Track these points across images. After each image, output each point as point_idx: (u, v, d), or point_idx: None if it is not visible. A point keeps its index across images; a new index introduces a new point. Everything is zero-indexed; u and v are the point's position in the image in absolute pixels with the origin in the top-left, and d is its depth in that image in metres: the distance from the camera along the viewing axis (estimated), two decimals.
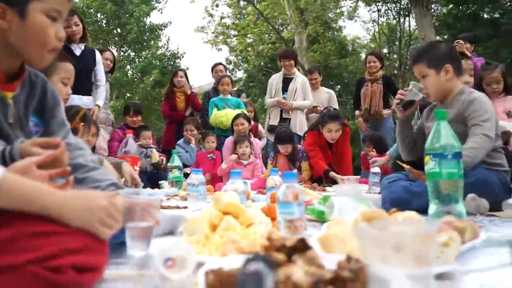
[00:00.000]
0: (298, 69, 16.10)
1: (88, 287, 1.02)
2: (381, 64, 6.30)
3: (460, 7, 16.86)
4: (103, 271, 1.12)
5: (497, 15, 15.06)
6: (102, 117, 5.38)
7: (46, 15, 1.46)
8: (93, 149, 3.84)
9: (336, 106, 6.30)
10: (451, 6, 17.50)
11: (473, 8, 15.64)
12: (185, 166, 5.22)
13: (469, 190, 2.50)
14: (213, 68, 7.06)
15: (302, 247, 1.06)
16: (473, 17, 15.38)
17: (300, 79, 6.18)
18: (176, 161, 4.18)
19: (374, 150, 5.24)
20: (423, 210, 2.09)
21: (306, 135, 5.42)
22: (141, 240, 1.45)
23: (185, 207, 2.48)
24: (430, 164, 1.95)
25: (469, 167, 2.50)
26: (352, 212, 1.90)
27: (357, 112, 6.45)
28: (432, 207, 1.97)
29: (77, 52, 4.79)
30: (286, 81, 6.13)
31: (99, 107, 4.97)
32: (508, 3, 15.21)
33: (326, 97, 6.58)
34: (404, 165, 2.95)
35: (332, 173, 4.89)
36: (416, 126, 3.10)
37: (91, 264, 1.03)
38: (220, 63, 7.24)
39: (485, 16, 15.90)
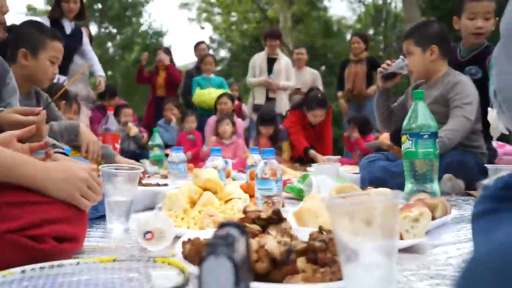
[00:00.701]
0: (283, 50, 16.12)
1: (67, 256, 1.04)
2: (366, 45, 6.29)
3: None
4: (82, 241, 1.15)
5: None
6: (83, 94, 5.33)
7: (49, 60, 2.43)
8: None
9: (321, 87, 6.27)
10: None
11: None
12: (166, 146, 5.22)
13: (446, 170, 2.57)
14: (195, 46, 7.01)
15: (276, 219, 1.09)
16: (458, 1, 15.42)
17: (284, 60, 6.18)
18: (157, 139, 4.17)
19: (357, 131, 5.30)
20: (400, 189, 2.15)
21: (288, 114, 5.44)
22: (120, 214, 1.47)
23: (166, 185, 2.50)
24: (406, 144, 1.99)
25: (448, 147, 2.55)
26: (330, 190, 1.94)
27: (339, 93, 6.47)
28: (408, 186, 2.01)
29: (68, 30, 4.65)
30: (270, 61, 6.12)
31: (103, 76, 4.93)
32: None
33: (311, 77, 6.56)
34: (385, 141, 2.99)
35: (312, 151, 4.93)
36: (399, 101, 3.12)
37: (70, 234, 1.06)
38: (203, 42, 7.19)
39: None
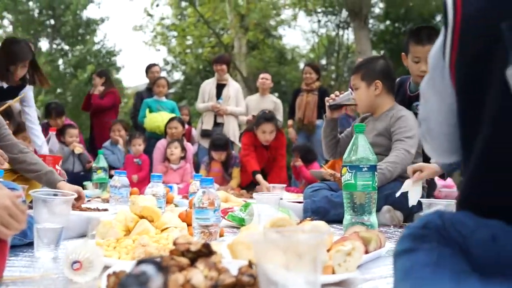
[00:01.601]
0: (236, 75, 16.22)
1: None
2: (318, 75, 6.40)
3: (396, 24, 17.58)
4: (1, 272, 1.09)
5: None
6: None
7: None
8: None
9: (280, 118, 6.30)
10: (388, 22, 18.22)
11: (408, 26, 16.32)
12: (113, 168, 5.11)
13: (386, 202, 2.63)
14: (148, 68, 6.93)
15: (206, 252, 1.08)
16: None
17: (233, 86, 6.21)
18: (101, 162, 4.07)
19: (300, 160, 5.37)
20: (340, 220, 2.18)
21: (242, 136, 5.44)
22: (50, 241, 1.42)
23: (105, 210, 2.44)
24: (346, 176, 2.03)
25: (387, 179, 2.62)
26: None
27: (290, 122, 6.54)
28: (347, 218, 2.05)
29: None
30: (220, 87, 6.12)
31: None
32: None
33: (272, 106, 6.41)
34: (327, 169, 3.03)
35: (259, 177, 4.91)
36: (346, 131, 3.18)
37: None
38: (156, 64, 7.13)
39: None
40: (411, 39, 2.94)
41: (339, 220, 2.31)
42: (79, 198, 2.16)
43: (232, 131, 6.02)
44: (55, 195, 1.48)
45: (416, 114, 2.86)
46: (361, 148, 2.03)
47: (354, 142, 2.06)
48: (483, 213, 0.84)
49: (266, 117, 5.00)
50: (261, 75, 6.67)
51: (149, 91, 6.57)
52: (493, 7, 0.85)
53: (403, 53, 3.06)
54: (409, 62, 2.97)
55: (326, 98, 3.09)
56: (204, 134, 5.98)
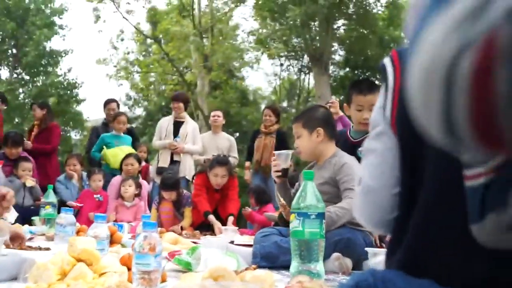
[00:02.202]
0: (198, 114, 16.24)
1: None
2: (277, 118, 6.48)
3: (356, 71, 18.13)
4: None
5: None
6: None
7: None
8: None
9: (236, 155, 6.32)
10: (347, 69, 18.77)
11: (367, 74, 16.86)
12: (64, 204, 4.97)
13: (335, 248, 2.63)
14: (105, 104, 6.80)
15: None
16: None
17: (191, 124, 6.21)
18: (50, 197, 3.94)
19: (254, 200, 5.37)
20: (289, 266, 2.15)
21: (195, 178, 5.40)
22: None
23: (47, 249, 2.35)
24: (294, 223, 2.01)
25: (335, 224, 2.63)
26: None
27: (247, 163, 6.55)
28: (294, 265, 2.02)
29: None
30: (177, 125, 6.11)
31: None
32: None
33: (227, 144, 6.44)
34: (281, 201, 3.04)
35: (211, 217, 4.85)
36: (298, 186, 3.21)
37: None
38: (114, 100, 6.99)
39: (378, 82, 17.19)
40: (353, 89, 3.16)
41: (287, 266, 2.29)
42: (18, 238, 2.07)
43: (188, 169, 5.98)
44: None
45: (359, 159, 2.94)
46: (309, 195, 2.03)
47: (303, 189, 2.06)
48: (412, 272, 0.84)
49: (219, 160, 5.01)
50: (212, 113, 6.72)
51: (106, 126, 6.48)
52: None
53: (345, 104, 3.21)
54: (352, 111, 3.14)
55: (273, 173, 3.12)
56: (160, 171, 5.90)
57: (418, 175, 0.92)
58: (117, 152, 5.88)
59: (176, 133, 6.02)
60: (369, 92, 3.01)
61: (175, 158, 5.98)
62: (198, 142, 6.16)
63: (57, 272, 1.50)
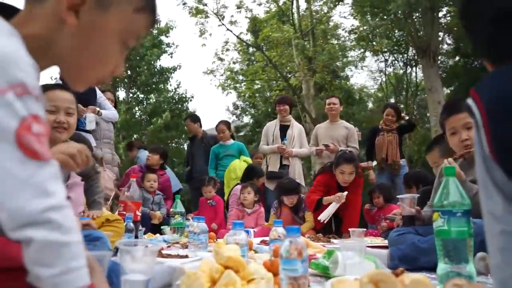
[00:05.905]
0: (305, 116, 16.22)
1: None
2: (398, 117, 6.35)
3: (467, 59, 17.09)
4: None
5: None
6: (107, 158, 5.38)
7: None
8: None
9: (356, 144, 6.06)
10: (457, 58, 17.75)
11: (480, 61, 15.81)
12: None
13: (479, 248, 2.44)
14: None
15: None
16: (480, 70, 15.55)
17: (297, 127, 6.18)
18: (179, 207, 4.12)
19: (382, 199, 5.19)
20: (431, 268, 2.03)
21: (316, 177, 5.35)
22: None
23: (186, 256, 2.42)
24: (438, 222, 1.89)
25: None
26: (357, 269, 1.84)
27: (374, 163, 6.36)
28: (441, 267, 1.89)
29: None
30: (283, 128, 6.11)
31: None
32: None
33: (344, 133, 6.11)
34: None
35: (326, 198, 4.86)
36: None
37: None
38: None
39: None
40: (441, 116, 2.94)
41: (428, 268, 2.17)
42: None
43: (297, 173, 5.94)
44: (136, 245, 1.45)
45: None
46: (452, 191, 1.90)
47: (445, 186, 1.93)
48: None
49: (346, 157, 4.90)
50: (327, 100, 6.43)
51: (215, 139, 6.82)
52: None
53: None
54: (448, 138, 2.90)
55: (395, 223, 3.08)
56: (271, 176, 5.93)
57: None
58: (235, 166, 6.13)
59: (282, 136, 6.04)
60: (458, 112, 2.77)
61: (284, 162, 5.98)
62: (305, 144, 6.12)
63: (207, 280, 1.52)
